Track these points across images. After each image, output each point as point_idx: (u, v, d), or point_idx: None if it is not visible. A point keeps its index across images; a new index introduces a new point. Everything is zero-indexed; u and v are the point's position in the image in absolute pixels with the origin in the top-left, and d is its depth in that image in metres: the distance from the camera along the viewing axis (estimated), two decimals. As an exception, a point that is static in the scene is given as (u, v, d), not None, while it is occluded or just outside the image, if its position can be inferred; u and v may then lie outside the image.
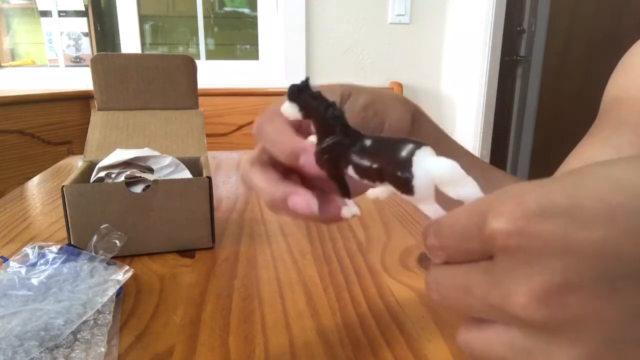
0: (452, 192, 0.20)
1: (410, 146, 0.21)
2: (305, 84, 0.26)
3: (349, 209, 0.27)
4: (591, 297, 0.14)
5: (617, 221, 0.14)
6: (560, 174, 0.17)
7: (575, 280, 0.14)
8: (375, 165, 0.22)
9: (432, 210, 0.21)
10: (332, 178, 0.26)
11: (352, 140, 0.24)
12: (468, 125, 2.05)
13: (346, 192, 0.27)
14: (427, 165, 0.20)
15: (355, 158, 0.23)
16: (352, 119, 0.30)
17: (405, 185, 0.21)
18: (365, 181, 0.23)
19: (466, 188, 0.20)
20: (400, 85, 2.04)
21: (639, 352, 0.15)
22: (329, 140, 0.25)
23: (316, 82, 2.06)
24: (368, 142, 0.23)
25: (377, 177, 0.22)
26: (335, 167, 0.25)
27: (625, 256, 0.14)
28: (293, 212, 0.27)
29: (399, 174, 0.21)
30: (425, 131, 0.37)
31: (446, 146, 0.39)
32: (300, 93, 0.26)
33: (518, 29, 2.35)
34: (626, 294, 0.14)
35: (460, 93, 2.08)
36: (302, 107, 0.26)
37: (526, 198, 0.15)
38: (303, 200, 0.26)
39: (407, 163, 0.21)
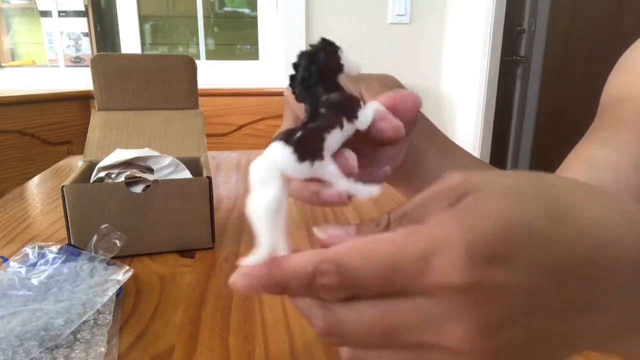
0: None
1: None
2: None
3: (369, 188, 0.25)
4: (515, 330, 0.17)
5: (547, 272, 0.17)
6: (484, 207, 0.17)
7: (509, 320, 0.17)
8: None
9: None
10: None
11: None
12: (468, 125, 2.05)
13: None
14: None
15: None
16: (379, 95, 0.30)
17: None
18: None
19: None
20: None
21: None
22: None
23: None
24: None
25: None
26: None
27: (551, 299, 0.17)
28: (329, 200, 0.26)
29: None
30: (423, 119, 0.37)
31: (443, 138, 0.39)
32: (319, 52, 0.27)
33: (518, 29, 2.35)
34: (536, 324, 0.17)
35: (460, 93, 2.08)
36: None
37: (472, 245, 0.16)
38: (333, 191, 0.25)
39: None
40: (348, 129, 0.24)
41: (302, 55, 0.25)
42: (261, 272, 0.19)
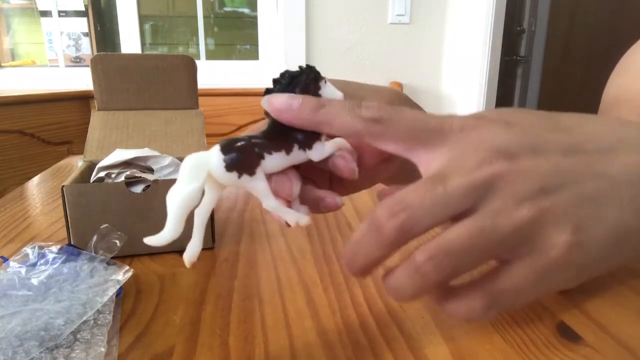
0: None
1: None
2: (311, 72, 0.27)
3: (297, 215, 0.27)
4: (527, 159, 0.22)
5: (532, 120, 0.24)
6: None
7: (515, 148, 0.22)
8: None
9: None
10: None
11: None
12: (468, 125, 2.05)
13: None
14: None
15: None
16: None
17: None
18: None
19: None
20: (400, 85, 2.04)
21: (569, 192, 0.22)
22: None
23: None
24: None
25: None
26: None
27: (544, 138, 0.22)
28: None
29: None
30: None
31: None
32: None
33: (518, 29, 2.35)
34: (549, 160, 0.22)
35: (460, 93, 2.08)
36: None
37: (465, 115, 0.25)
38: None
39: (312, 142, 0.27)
40: (297, 156, 0.25)
41: (284, 75, 0.26)
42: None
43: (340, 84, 0.33)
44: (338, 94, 0.28)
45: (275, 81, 0.26)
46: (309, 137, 0.26)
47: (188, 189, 0.23)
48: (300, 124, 0.23)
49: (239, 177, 0.23)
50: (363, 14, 2.04)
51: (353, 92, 0.32)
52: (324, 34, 2.04)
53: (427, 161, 0.23)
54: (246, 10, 2.26)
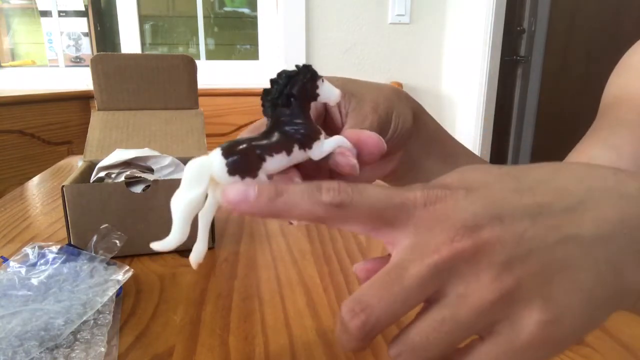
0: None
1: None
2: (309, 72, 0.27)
3: None
4: (494, 230, 0.20)
5: (497, 185, 0.22)
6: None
7: (481, 219, 0.20)
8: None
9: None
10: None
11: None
12: (468, 125, 2.05)
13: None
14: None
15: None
16: (367, 119, 0.30)
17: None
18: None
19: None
20: (400, 85, 2.04)
21: (535, 262, 0.20)
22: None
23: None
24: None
25: None
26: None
27: (511, 204, 0.21)
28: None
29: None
30: (426, 129, 0.37)
31: (448, 146, 0.39)
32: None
33: (518, 29, 2.35)
34: (516, 227, 0.20)
35: (460, 93, 2.08)
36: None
37: (428, 184, 0.23)
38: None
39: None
40: (297, 156, 0.26)
41: (281, 74, 0.26)
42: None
43: (340, 82, 0.32)
44: (335, 92, 0.28)
45: (272, 81, 0.26)
46: (309, 137, 0.26)
47: (192, 195, 0.23)
48: (259, 215, 0.22)
49: (242, 179, 0.23)
50: (363, 14, 2.04)
51: (353, 90, 0.32)
52: (324, 34, 2.04)
53: (394, 241, 0.22)
54: (246, 10, 2.26)
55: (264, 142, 0.25)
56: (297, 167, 0.27)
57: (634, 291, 0.21)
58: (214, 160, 0.23)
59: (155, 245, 0.23)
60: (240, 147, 0.24)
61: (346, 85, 0.32)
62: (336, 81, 0.32)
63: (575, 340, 0.22)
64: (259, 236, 0.58)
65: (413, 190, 0.22)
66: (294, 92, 0.26)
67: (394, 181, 0.38)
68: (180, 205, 0.23)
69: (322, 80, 0.27)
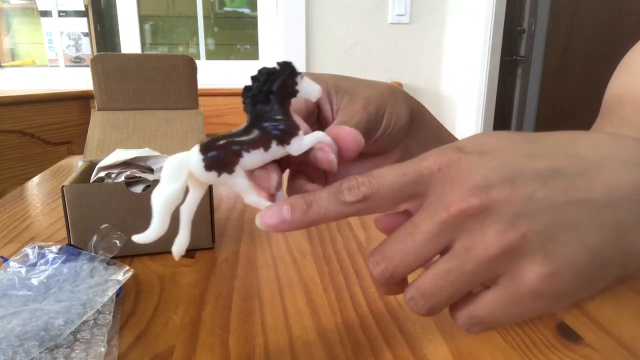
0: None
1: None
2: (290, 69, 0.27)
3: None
4: (504, 190, 0.21)
5: (508, 148, 0.22)
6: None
7: (492, 180, 0.21)
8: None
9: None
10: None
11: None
12: (468, 125, 2.05)
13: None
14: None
15: None
16: (356, 115, 0.30)
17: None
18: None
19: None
20: (400, 85, 2.04)
21: (541, 220, 0.21)
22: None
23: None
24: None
25: None
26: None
27: (521, 166, 0.21)
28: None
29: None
30: (426, 127, 0.37)
31: (447, 143, 0.39)
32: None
33: (518, 29, 2.35)
34: (524, 189, 0.21)
35: (460, 93, 2.08)
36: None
37: (447, 146, 0.23)
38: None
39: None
40: (276, 151, 0.26)
41: (261, 71, 0.27)
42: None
43: (334, 79, 0.32)
44: (315, 88, 0.28)
45: (253, 78, 0.27)
46: (287, 133, 0.26)
47: (170, 189, 0.24)
48: (299, 229, 0.24)
49: (219, 175, 0.24)
50: (363, 14, 2.04)
51: (346, 87, 0.32)
52: (324, 34, 2.04)
53: (417, 209, 0.24)
54: (246, 10, 2.26)
55: (243, 138, 0.25)
56: (278, 162, 0.28)
57: (639, 255, 0.22)
58: (192, 156, 0.24)
59: (136, 238, 0.24)
60: (218, 143, 0.24)
61: (339, 82, 0.32)
62: (330, 78, 0.32)
63: (584, 293, 0.23)
64: (259, 236, 0.58)
65: (427, 158, 0.23)
66: (273, 88, 0.26)
67: None
68: (159, 199, 0.24)
69: (302, 77, 0.27)
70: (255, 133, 0.25)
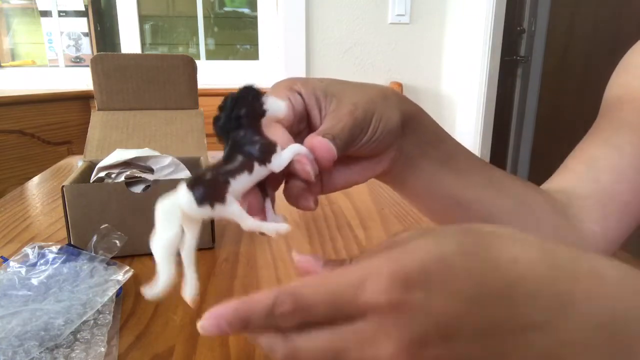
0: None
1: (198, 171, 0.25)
2: (246, 90, 0.28)
3: (276, 225, 0.29)
4: (440, 349, 0.19)
5: (461, 297, 0.19)
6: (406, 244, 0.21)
7: (430, 337, 0.19)
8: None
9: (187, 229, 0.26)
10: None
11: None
12: (468, 125, 2.05)
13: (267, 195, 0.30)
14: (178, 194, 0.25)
15: None
16: (342, 120, 0.30)
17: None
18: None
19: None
20: (400, 85, 2.04)
21: None
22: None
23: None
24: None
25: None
26: None
27: (461, 320, 0.19)
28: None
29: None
30: (422, 129, 0.36)
31: (446, 147, 0.39)
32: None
33: (518, 29, 2.35)
34: (459, 347, 0.19)
35: (460, 93, 2.08)
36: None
37: (395, 273, 0.19)
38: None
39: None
40: (260, 172, 0.27)
41: (226, 100, 0.27)
42: (227, 311, 0.23)
43: (324, 83, 0.32)
44: (281, 106, 0.29)
45: (219, 108, 0.27)
46: (266, 152, 0.27)
47: (167, 236, 0.24)
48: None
49: (212, 208, 0.24)
50: (363, 14, 2.04)
51: (335, 91, 0.32)
52: (324, 34, 2.04)
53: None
54: (246, 10, 2.26)
55: (226, 167, 0.25)
56: (260, 183, 0.28)
57: None
58: (181, 196, 0.24)
59: (149, 293, 0.24)
60: (204, 177, 0.24)
61: (329, 87, 0.32)
62: (319, 82, 0.32)
63: None
64: (259, 236, 0.58)
65: (367, 288, 0.20)
66: (241, 113, 0.26)
67: (389, 180, 0.38)
68: (158, 248, 0.24)
69: (266, 97, 0.28)
70: (236, 159, 0.26)
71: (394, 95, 0.34)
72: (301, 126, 0.33)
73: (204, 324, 0.23)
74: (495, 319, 0.19)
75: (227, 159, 0.26)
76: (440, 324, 0.19)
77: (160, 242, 0.24)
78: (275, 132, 0.29)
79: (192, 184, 0.24)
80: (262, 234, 0.28)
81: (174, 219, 0.24)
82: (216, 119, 0.27)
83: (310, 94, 0.32)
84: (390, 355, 0.19)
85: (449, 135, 0.39)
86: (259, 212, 0.29)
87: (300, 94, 0.32)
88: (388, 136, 0.32)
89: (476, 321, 0.19)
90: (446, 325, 0.19)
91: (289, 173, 0.29)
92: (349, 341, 0.20)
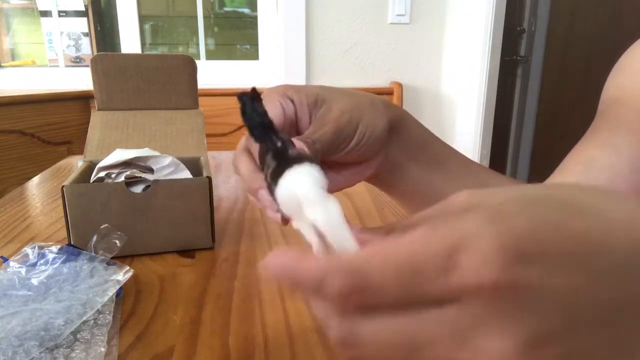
0: (306, 212, 0.20)
1: (294, 161, 0.22)
2: (247, 93, 0.26)
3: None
4: (566, 346, 0.14)
5: (588, 269, 0.14)
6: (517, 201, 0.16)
7: (557, 332, 0.14)
8: (267, 170, 0.24)
9: (306, 231, 0.21)
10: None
11: (268, 146, 0.25)
12: (468, 125, 2.05)
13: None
14: (291, 181, 0.21)
15: (267, 162, 0.24)
16: (326, 126, 0.31)
17: (271, 192, 0.22)
18: None
19: (318, 211, 0.20)
20: (400, 85, 2.04)
21: None
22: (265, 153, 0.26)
23: (316, 82, 2.06)
24: (276, 148, 0.24)
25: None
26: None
27: (595, 302, 0.14)
28: (260, 203, 0.29)
29: (268, 179, 0.22)
30: (408, 134, 0.37)
31: (434, 150, 0.39)
32: (245, 107, 0.27)
33: (518, 29, 2.35)
34: (585, 337, 0.15)
35: (460, 93, 2.08)
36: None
37: (503, 240, 0.14)
38: (267, 196, 0.27)
39: (280, 173, 0.22)
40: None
41: (245, 113, 0.26)
42: (283, 262, 0.17)
43: (315, 89, 0.33)
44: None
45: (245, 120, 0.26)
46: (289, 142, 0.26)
47: (334, 207, 0.21)
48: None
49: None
50: (363, 14, 2.04)
51: (325, 97, 0.33)
52: (324, 34, 2.04)
53: None
54: (246, 10, 2.25)
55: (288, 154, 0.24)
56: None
57: None
58: (315, 170, 0.21)
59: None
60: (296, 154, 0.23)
61: (321, 94, 0.33)
62: (312, 89, 0.33)
63: None
64: (259, 236, 0.58)
65: (459, 264, 0.15)
66: (258, 120, 0.25)
67: (378, 183, 0.39)
68: (334, 218, 0.20)
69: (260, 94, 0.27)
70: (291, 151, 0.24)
71: (381, 103, 0.35)
72: (291, 132, 0.33)
73: (263, 266, 0.17)
74: (629, 296, 0.15)
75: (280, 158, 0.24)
76: (567, 310, 0.14)
77: (332, 213, 0.20)
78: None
79: (310, 160, 0.22)
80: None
81: (323, 191, 0.21)
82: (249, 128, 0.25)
83: (302, 101, 0.32)
84: (501, 356, 0.14)
85: (437, 139, 0.40)
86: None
87: (292, 100, 0.32)
88: (375, 142, 0.33)
89: (605, 303, 0.15)
90: (573, 311, 0.14)
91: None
92: (433, 333, 0.15)
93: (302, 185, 0.21)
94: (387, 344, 0.16)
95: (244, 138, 0.31)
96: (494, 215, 0.15)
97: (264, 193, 0.28)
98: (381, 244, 0.16)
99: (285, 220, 0.29)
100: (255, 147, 0.28)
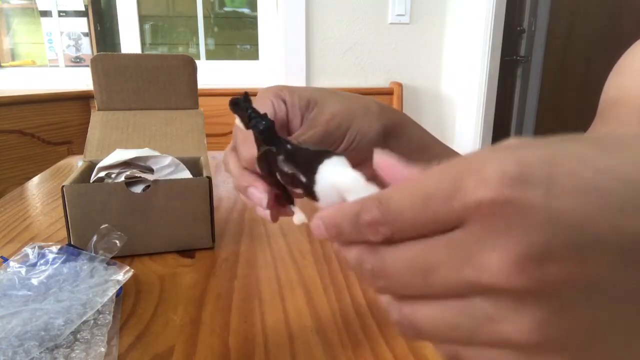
0: (352, 199, 0.20)
1: (322, 156, 0.22)
2: (242, 98, 0.27)
3: (297, 215, 0.28)
4: (567, 266, 0.14)
5: (591, 197, 0.14)
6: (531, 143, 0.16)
7: (554, 249, 0.14)
8: (290, 171, 0.23)
9: None
10: (272, 185, 0.28)
11: (278, 149, 0.24)
12: (468, 125, 2.05)
13: (288, 198, 0.28)
14: (329, 174, 0.21)
15: (279, 165, 0.24)
16: (316, 128, 0.31)
17: (307, 190, 0.22)
18: (290, 187, 0.24)
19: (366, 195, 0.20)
20: (400, 85, 2.04)
21: (591, 316, 0.15)
22: (260, 150, 0.26)
23: (316, 82, 2.06)
24: (290, 150, 0.24)
25: (293, 183, 0.23)
26: (270, 174, 0.26)
27: (600, 229, 0.14)
28: (250, 201, 0.29)
29: (302, 179, 0.22)
30: (406, 138, 0.37)
31: (433, 152, 0.39)
32: (236, 106, 0.28)
33: (518, 29, 2.35)
34: (594, 266, 0.14)
35: (460, 93, 2.08)
36: (242, 120, 0.28)
37: (506, 164, 0.15)
38: (257, 194, 0.28)
39: (313, 170, 0.22)
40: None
41: (253, 125, 0.26)
42: (327, 214, 0.20)
43: (309, 92, 0.33)
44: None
45: (254, 130, 0.27)
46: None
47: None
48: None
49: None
50: (363, 14, 2.04)
51: (318, 99, 0.33)
52: (324, 34, 2.04)
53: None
54: (246, 10, 2.26)
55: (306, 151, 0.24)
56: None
57: None
58: (347, 176, 0.21)
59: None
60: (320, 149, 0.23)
61: (314, 96, 0.33)
62: (306, 91, 0.34)
63: None
64: (259, 236, 0.58)
65: (464, 185, 0.15)
66: (263, 124, 0.26)
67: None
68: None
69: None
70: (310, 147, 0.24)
71: (377, 107, 0.35)
72: (282, 132, 0.33)
73: (312, 224, 0.20)
74: None
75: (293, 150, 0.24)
76: (569, 229, 0.14)
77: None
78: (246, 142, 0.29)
79: (336, 153, 0.22)
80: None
81: (365, 181, 0.21)
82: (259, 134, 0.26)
83: (295, 102, 0.33)
84: (495, 272, 0.15)
85: (438, 141, 0.40)
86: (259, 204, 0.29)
87: (284, 101, 0.32)
88: (366, 147, 0.33)
89: (622, 230, 0.14)
90: (579, 231, 0.14)
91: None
92: (443, 256, 0.16)
93: (341, 175, 0.21)
94: (406, 269, 0.17)
95: (234, 137, 0.31)
96: (509, 147, 0.15)
97: (253, 191, 0.28)
98: (408, 179, 0.18)
99: (276, 217, 0.30)
100: (246, 148, 0.28)
